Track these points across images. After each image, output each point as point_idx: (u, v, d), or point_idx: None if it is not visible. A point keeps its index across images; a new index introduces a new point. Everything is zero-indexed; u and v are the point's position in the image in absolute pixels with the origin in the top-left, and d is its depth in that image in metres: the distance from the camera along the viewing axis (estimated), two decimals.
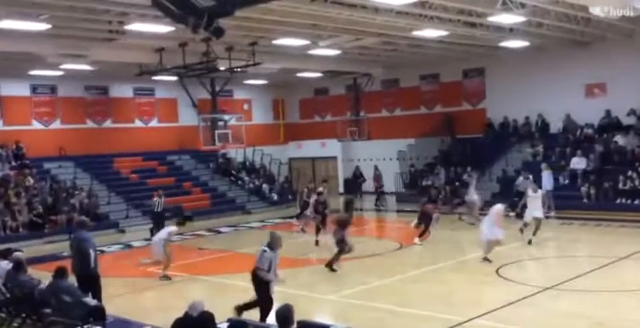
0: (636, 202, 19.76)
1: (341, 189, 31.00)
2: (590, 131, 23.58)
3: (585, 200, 20.96)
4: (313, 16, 17.15)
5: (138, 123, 28.77)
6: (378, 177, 26.68)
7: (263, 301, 9.12)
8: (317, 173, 32.20)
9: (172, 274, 13.28)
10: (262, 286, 9.18)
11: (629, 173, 20.44)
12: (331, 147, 31.49)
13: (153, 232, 17.77)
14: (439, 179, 24.94)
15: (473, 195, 18.68)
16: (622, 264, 12.84)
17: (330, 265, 13.19)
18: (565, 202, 20.77)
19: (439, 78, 28.92)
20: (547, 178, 20.56)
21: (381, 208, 25.50)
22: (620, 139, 22.26)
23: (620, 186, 20.46)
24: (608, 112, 23.30)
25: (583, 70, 23.76)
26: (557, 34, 21.41)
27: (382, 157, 29.00)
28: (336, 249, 13.34)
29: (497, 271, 12.45)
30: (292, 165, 33.18)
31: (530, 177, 19.76)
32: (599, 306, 9.95)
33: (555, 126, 24.87)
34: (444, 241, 16.54)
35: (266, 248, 9.32)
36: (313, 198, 17.83)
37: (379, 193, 26.20)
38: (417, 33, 19.55)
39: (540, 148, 24.29)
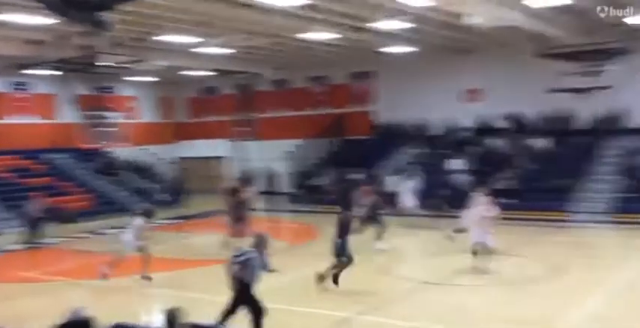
0: (511, 201, 21.01)
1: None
2: (468, 134, 24.98)
3: None
4: (201, 14, 16.87)
5: (12, 120, 26.95)
6: (267, 178, 26.66)
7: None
8: (208, 173, 31.69)
9: (48, 279, 12.57)
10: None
11: (504, 173, 21.72)
12: (222, 147, 31.16)
13: (29, 235, 16.73)
14: (325, 180, 25.28)
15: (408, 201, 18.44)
16: (499, 259, 13.59)
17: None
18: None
19: (328, 80, 29.44)
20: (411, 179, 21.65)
21: (273, 208, 25.48)
22: (495, 142, 23.72)
23: (497, 186, 21.70)
24: (484, 116, 24.80)
25: (463, 75, 25.14)
26: (439, 41, 22.47)
27: (273, 157, 29.07)
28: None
29: (383, 267, 12.80)
30: (183, 165, 32.46)
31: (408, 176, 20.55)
32: (476, 297, 10.52)
33: (438, 128, 26.07)
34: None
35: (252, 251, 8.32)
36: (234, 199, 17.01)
37: (270, 193, 26.19)
38: (305, 35, 19.78)
39: (424, 150, 25.36)
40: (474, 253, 12.39)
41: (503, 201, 20.76)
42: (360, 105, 28.57)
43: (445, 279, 11.83)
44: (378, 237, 14.73)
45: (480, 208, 12.71)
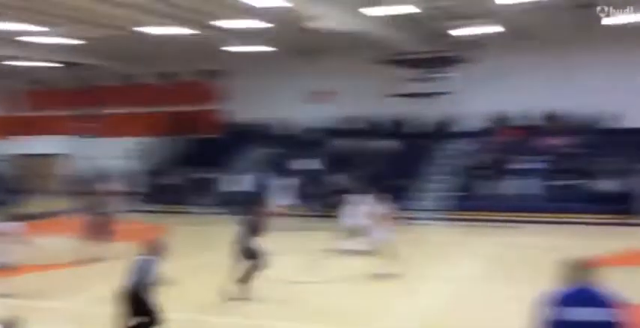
0: None
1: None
2: (318, 135, 25.59)
3: None
4: (40, 1, 15.70)
5: None
6: (114, 177, 25.32)
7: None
8: (47, 172, 29.49)
9: None
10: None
11: (351, 174, 22.44)
12: (62, 143, 29.21)
13: None
14: (177, 178, 24.62)
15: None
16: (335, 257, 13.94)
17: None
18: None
19: (179, 76, 28.72)
20: (255, 179, 21.88)
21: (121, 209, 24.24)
22: (343, 143, 24.53)
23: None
24: (333, 118, 25.57)
25: (315, 78, 25.69)
26: (292, 43, 22.80)
27: (118, 155, 27.72)
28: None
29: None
30: (18, 163, 29.87)
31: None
32: (316, 294, 10.78)
33: (289, 129, 26.41)
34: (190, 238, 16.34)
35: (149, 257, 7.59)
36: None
37: (118, 193, 24.90)
38: (153, 29, 19.13)
39: (276, 150, 25.59)
40: (373, 254, 12.25)
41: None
42: (211, 103, 28.18)
43: (311, 278, 11.91)
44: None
45: (369, 207, 12.66)
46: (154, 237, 8.09)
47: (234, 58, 25.47)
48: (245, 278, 10.26)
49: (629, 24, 19.34)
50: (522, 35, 21.80)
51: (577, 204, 19.06)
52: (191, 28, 19.16)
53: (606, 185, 19.12)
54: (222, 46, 22.78)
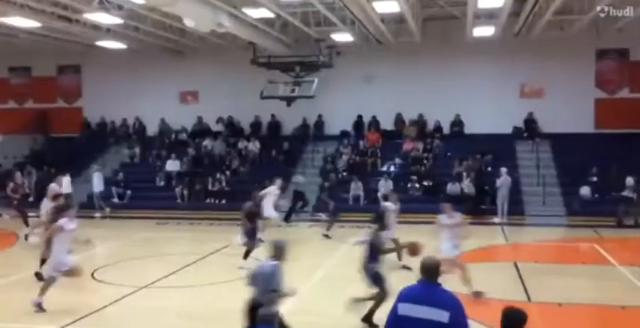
0: (223, 202, 21.69)
1: None
2: (183, 135, 25.15)
3: (179, 200, 22.11)
4: None
5: None
6: None
7: None
8: None
9: None
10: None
11: (217, 175, 22.33)
12: None
13: None
14: (28, 179, 22.98)
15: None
16: (210, 259, 13.95)
17: None
18: (161, 203, 21.64)
19: (31, 71, 26.95)
20: (97, 180, 21.36)
21: None
22: (209, 144, 24.27)
23: (210, 187, 22.21)
24: (199, 119, 25.24)
25: (178, 78, 25.22)
26: (155, 41, 22.21)
27: None
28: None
29: (92, 274, 12.17)
30: None
31: None
32: (190, 300, 10.61)
33: (152, 129, 25.69)
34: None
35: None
36: None
37: None
38: (4, 20, 17.83)
39: (137, 150, 24.77)
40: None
41: (216, 202, 21.69)
42: (67, 100, 26.74)
43: (158, 282, 11.70)
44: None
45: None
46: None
47: (94, 54, 24.36)
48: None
49: (482, 37, 21.01)
50: (382, 42, 22.84)
51: (430, 205, 20.11)
52: (49, 22, 18.08)
53: (457, 187, 20.37)
54: (85, 41, 21.75)
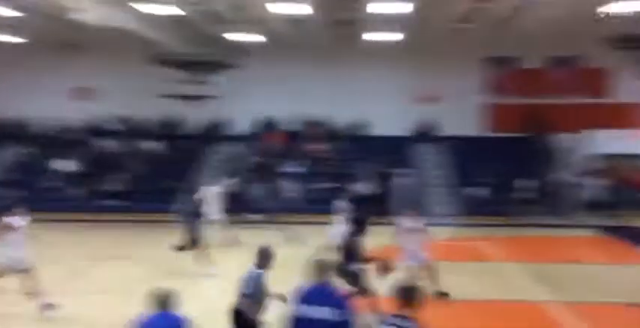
0: (119, 203, 21.05)
1: None
2: (78, 134, 24.12)
3: (74, 202, 21.24)
4: None
5: None
6: None
7: None
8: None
9: None
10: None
11: (115, 176, 21.64)
12: None
13: None
14: None
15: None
16: (99, 265, 13.45)
17: None
18: (52, 204, 20.71)
19: None
20: None
21: None
22: (106, 143, 23.46)
23: (107, 188, 21.51)
24: (96, 116, 24.31)
25: (74, 73, 24.20)
26: (48, 35, 21.19)
27: None
28: None
29: None
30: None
31: None
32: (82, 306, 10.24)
33: (45, 126, 24.47)
34: None
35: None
36: None
37: None
38: None
39: (28, 149, 23.56)
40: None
41: (112, 203, 20.99)
42: None
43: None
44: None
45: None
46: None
47: None
48: None
49: (382, 42, 21.63)
50: (287, 44, 22.99)
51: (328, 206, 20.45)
52: None
53: (362, 187, 20.83)
54: None
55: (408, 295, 4.79)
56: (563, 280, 11.91)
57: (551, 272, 12.27)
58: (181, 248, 12.98)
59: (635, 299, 10.46)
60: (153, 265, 13.09)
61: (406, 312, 4.76)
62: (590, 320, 9.54)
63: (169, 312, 5.26)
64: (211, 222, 15.22)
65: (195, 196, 14.60)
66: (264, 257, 6.42)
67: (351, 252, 8.87)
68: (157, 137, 23.95)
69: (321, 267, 5.24)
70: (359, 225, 9.54)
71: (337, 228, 11.27)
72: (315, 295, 5.09)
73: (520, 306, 10.44)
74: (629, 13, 17.21)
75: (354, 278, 8.65)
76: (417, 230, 10.34)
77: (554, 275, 11.96)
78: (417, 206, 19.99)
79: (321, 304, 5.00)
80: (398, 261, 9.72)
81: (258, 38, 21.09)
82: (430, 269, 10.20)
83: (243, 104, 24.04)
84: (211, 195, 15.81)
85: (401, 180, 20.08)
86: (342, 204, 12.81)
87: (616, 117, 20.85)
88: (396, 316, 4.78)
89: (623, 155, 22.06)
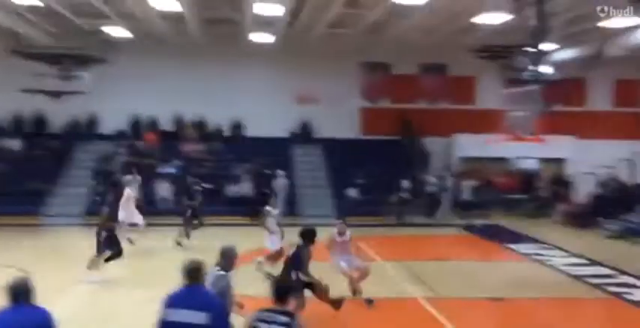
0: None
1: None
2: None
3: None
4: None
5: None
6: None
7: None
8: None
9: None
10: None
11: None
12: None
13: None
14: None
15: None
16: None
17: None
18: None
19: None
20: None
21: None
22: None
23: None
24: None
25: None
26: None
27: None
28: None
29: None
30: None
31: None
32: None
33: None
34: None
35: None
36: None
37: None
38: None
39: None
40: None
41: None
42: None
43: None
44: None
45: None
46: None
47: None
48: None
49: (262, 43, 21.57)
50: (160, 41, 22.33)
51: (210, 207, 20.07)
52: None
53: (236, 189, 20.59)
54: None
55: (280, 290, 4.82)
56: (435, 277, 12.41)
57: (425, 269, 12.74)
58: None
59: (499, 294, 11.18)
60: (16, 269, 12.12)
61: (278, 307, 4.76)
62: (460, 314, 10.03)
63: (27, 305, 4.66)
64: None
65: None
66: (228, 258, 6.14)
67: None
68: (21, 135, 22.25)
69: (190, 269, 5.07)
70: None
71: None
72: (185, 298, 4.96)
73: (398, 303, 10.76)
74: (494, 24, 18.42)
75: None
76: (346, 238, 10.72)
77: (427, 272, 12.42)
78: (294, 207, 20.40)
79: (190, 307, 4.87)
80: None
81: (129, 34, 20.28)
82: (364, 274, 10.63)
83: (113, 102, 22.91)
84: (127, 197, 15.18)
85: (279, 182, 20.10)
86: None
87: (481, 122, 22.15)
88: (266, 311, 4.76)
89: (488, 158, 23.75)
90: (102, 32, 20.38)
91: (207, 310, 4.82)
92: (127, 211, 15.09)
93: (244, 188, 20.61)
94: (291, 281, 5.02)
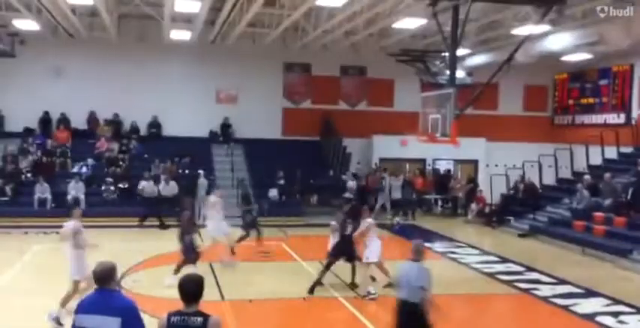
0: None
1: None
2: None
3: None
4: None
5: None
6: None
7: None
8: None
9: None
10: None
11: None
12: None
13: None
14: None
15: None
16: None
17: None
18: None
19: None
20: None
21: None
22: None
23: None
24: None
25: None
26: None
27: None
28: None
29: None
30: None
31: None
32: None
33: None
34: None
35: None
36: None
37: None
38: None
39: None
40: None
41: None
42: None
43: None
44: None
45: None
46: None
47: None
48: None
49: (183, 41, 21.15)
50: (70, 36, 21.52)
51: (125, 208, 19.47)
52: None
53: (154, 189, 20.03)
54: None
55: (189, 290, 4.57)
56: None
57: (344, 269, 12.81)
58: None
59: None
60: None
61: (191, 309, 4.55)
62: (379, 312, 10.13)
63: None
64: None
65: None
66: (419, 252, 7.20)
67: None
68: None
69: (101, 273, 4.85)
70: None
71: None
72: (96, 303, 4.79)
73: (317, 303, 10.79)
74: (410, 28, 18.87)
75: None
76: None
77: (347, 272, 12.49)
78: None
79: (101, 312, 4.69)
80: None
81: (38, 27, 19.39)
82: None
83: (22, 97, 21.86)
84: None
85: (199, 182, 19.75)
86: None
87: (399, 124, 22.62)
88: (177, 314, 4.55)
89: (405, 159, 24.34)
90: (10, 25, 19.40)
91: (120, 315, 4.66)
92: None
93: (161, 188, 20.06)
94: (199, 280, 4.72)
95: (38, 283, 11.58)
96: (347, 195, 20.78)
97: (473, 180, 23.76)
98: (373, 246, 11.38)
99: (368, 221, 11.62)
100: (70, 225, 9.68)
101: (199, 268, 11.06)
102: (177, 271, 11.11)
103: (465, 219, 21.97)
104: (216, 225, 13.67)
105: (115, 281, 4.92)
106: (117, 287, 5.11)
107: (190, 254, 11.52)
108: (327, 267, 11.35)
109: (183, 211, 12.77)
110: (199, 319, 4.47)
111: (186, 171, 21.47)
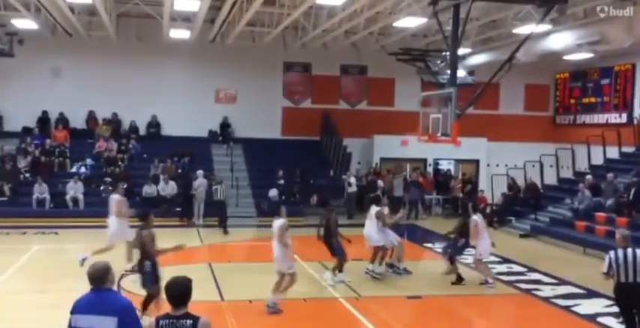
0: None
1: None
2: None
3: None
4: None
5: None
6: None
7: None
8: None
9: None
10: None
11: None
12: None
13: None
14: None
15: None
16: None
17: None
18: None
19: None
20: None
21: None
22: None
23: None
24: None
25: None
26: None
27: None
28: None
29: None
30: None
31: None
32: None
33: None
34: None
35: None
36: None
37: None
38: None
39: None
40: None
41: None
42: None
43: None
44: None
45: None
46: None
47: None
48: None
49: (179, 40, 21.08)
50: (68, 35, 21.46)
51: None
52: None
53: (153, 189, 19.97)
54: None
55: (177, 293, 4.51)
56: (355, 277, 12.45)
57: (345, 269, 12.75)
58: None
59: (417, 293, 11.50)
60: None
61: (180, 311, 4.48)
62: (380, 313, 10.15)
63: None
64: None
65: None
66: (628, 239, 8.05)
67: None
68: None
69: (96, 274, 4.79)
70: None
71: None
72: (92, 303, 4.73)
73: (318, 303, 10.72)
74: (411, 27, 18.78)
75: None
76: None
77: (348, 273, 12.45)
78: (214, 207, 19.98)
79: (97, 312, 4.65)
80: None
81: (37, 26, 19.31)
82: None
83: (20, 96, 21.84)
84: None
85: (198, 182, 19.67)
86: None
87: (400, 124, 22.50)
88: (166, 317, 4.49)
89: (406, 159, 24.23)
90: (8, 25, 19.34)
91: (116, 314, 4.62)
92: None
93: (160, 188, 20.00)
94: (185, 282, 4.64)
95: (37, 283, 11.52)
96: (351, 190, 20.83)
97: (470, 181, 23.61)
98: (483, 243, 12.10)
99: (474, 218, 12.19)
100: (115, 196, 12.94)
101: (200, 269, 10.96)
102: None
103: None
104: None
105: (110, 281, 4.86)
106: (114, 288, 5.03)
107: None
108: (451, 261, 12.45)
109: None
110: (189, 322, 4.42)
111: (186, 171, 21.34)
